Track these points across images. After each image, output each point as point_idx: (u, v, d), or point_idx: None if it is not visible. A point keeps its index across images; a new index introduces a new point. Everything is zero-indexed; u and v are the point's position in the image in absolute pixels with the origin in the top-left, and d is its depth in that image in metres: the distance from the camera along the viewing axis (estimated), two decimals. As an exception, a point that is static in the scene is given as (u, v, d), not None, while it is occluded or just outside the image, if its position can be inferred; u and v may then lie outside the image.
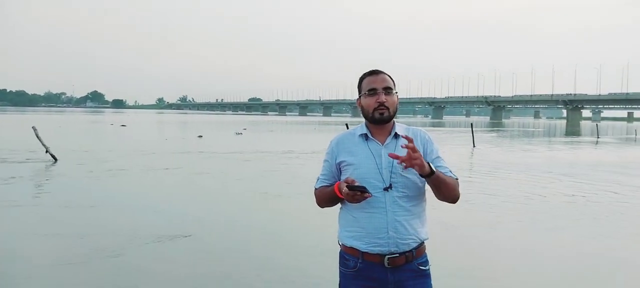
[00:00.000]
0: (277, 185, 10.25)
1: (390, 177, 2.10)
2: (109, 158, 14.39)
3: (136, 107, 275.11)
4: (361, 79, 2.22)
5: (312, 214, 5.57)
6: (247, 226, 6.58)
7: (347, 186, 1.99)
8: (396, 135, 2.16)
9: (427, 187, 2.14)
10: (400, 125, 2.23)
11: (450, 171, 2.16)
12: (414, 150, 1.94)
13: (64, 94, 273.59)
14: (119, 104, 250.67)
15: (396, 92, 2.21)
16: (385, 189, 2.08)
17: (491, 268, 5.02)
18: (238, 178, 11.03)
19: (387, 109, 2.14)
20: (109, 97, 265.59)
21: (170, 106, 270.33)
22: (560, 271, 4.94)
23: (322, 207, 2.28)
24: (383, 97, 2.13)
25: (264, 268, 4.84)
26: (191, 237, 5.86)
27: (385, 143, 2.16)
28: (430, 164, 2.02)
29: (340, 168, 2.19)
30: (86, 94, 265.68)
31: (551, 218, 7.35)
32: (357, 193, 1.97)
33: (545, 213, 7.72)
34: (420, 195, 2.16)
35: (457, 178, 2.16)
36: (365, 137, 2.18)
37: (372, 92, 2.15)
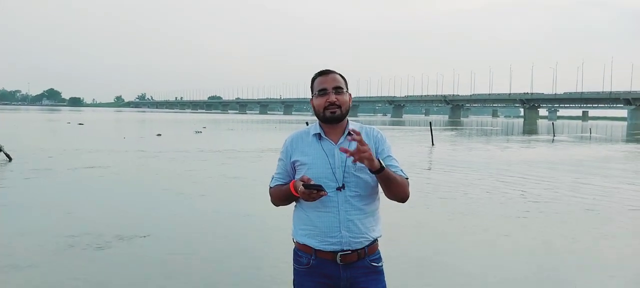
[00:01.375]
0: (233, 183, 9.97)
1: (343, 176, 2.11)
2: (65, 158, 13.89)
3: (94, 105, 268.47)
4: (313, 79, 2.23)
5: (268, 212, 5.51)
6: (203, 225, 6.39)
7: (303, 185, 2.00)
8: (350, 134, 2.12)
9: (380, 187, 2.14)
10: (354, 124, 2.21)
11: (402, 170, 2.19)
12: (361, 143, 1.95)
13: (18, 91, 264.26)
14: (76, 102, 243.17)
15: (348, 92, 2.21)
16: (338, 189, 2.10)
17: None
18: (196, 177, 10.68)
19: (339, 107, 2.14)
20: (66, 95, 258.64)
21: (129, 104, 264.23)
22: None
23: (277, 205, 2.28)
24: (333, 97, 2.14)
25: (219, 267, 4.80)
26: (149, 237, 5.73)
27: (339, 142, 2.16)
28: (380, 160, 2.03)
29: (294, 168, 2.20)
30: (42, 91, 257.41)
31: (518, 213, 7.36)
32: (312, 192, 1.98)
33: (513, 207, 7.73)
34: (373, 194, 2.17)
35: (407, 178, 2.18)
36: (318, 136, 2.18)
37: (323, 92, 2.16)
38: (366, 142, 2.11)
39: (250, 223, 6.58)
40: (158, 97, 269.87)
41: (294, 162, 2.19)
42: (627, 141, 32.52)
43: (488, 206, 8.09)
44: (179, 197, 8.46)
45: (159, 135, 25.95)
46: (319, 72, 2.22)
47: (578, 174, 12.60)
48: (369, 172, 2.06)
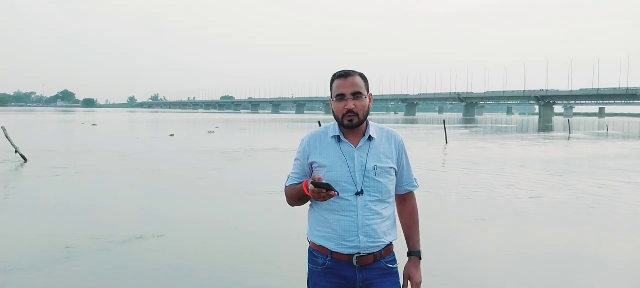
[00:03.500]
0: (248, 182, 9.90)
1: (363, 181, 2.07)
2: (79, 159, 13.99)
3: (107, 106, 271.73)
4: (332, 80, 2.14)
5: (284, 212, 5.48)
6: (220, 225, 6.35)
7: (312, 183, 1.95)
8: (370, 138, 2.12)
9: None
10: (374, 125, 2.17)
11: (415, 180, 2.27)
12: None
13: (34, 93, 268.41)
14: (90, 103, 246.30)
15: (368, 94, 2.14)
16: (357, 194, 2.05)
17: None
18: (211, 177, 10.64)
19: (357, 115, 2.08)
20: (80, 97, 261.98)
21: (142, 105, 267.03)
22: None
23: (292, 205, 2.23)
24: (351, 104, 2.07)
25: (236, 265, 4.76)
26: (163, 237, 5.72)
27: (359, 145, 2.11)
28: (420, 255, 2.23)
29: (312, 169, 2.14)
30: (57, 93, 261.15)
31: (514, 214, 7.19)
32: (322, 191, 1.93)
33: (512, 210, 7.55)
34: (390, 198, 2.16)
35: (417, 187, 2.28)
36: (337, 139, 2.12)
37: (341, 97, 2.09)
38: (386, 145, 2.17)
39: (262, 222, 6.51)
40: (171, 98, 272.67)
41: (312, 163, 2.14)
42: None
43: (499, 205, 7.92)
44: (190, 197, 8.43)
45: (172, 135, 26.08)
46: (338, 74, 2.13)
47: (598, 174, 12.33)
48: (388, 177, 2.12)
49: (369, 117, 2.15)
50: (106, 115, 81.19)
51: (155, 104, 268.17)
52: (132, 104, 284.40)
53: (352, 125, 2.09)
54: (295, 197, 2.14)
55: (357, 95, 2.07)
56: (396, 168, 2.17)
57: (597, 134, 35.10)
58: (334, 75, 2.14)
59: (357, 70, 2.14)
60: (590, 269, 4.89)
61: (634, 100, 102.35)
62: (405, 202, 2.28)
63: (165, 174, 11.30)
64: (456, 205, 8.02)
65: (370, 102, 2.14)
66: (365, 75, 2.16)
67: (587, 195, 8.99)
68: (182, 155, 15.45)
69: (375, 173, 2.08)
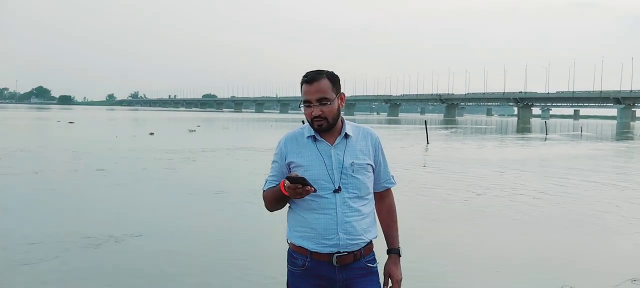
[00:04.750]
0: (228, 183, 9.87)
1: (341, 178, 2.07)
2: (55, 158, 13.64)
3: (85, 103, 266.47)
4: (300, 84, 2.11)
5: (263, 213, 5.35)
6: (198, 226, 6.26)
7: (287, 179, 1.94)
8: (346, 135, 2.12)
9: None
10: (350, 123, 2.18)
11: (392, 177, 2.29)
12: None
13: (6, 89, 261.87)
14: (66, 100, 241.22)
15: (338, 94, 2.10)
16: (335, 191, 2.06)
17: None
18: (191, 176, 10.58)
19: (325, 119, 2.07)
20: (56, 93, 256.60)
21: (121, 102, 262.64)
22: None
23: (270, 209, 2.18)
24: (317, 111, 2.05)
25: (214, 268, 4.69)
26: (141, 237, 5.64)
27: (335, 143, 2.12)
28: (399, 252, 2.26)
29: (289, 169, 2.13)
30: (30, 89, 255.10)
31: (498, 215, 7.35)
32: (298, 187, 1.92)
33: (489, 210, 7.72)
34: (369, 195, 2.17)
35: (395, 184, 2.30)
36: (313, 138, 2.12)
37: (307, 104, 2.07)
38: (363, 142, 2.18)
39: (243, 222, 6.52)
40: (151, 95, 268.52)
41: (289, 164, 2.13)
42: (618, 140, 32.71)
43: (478, 205, 8.08)
44: (171, 196, 8.38)
45: (152, 134, 25.76)
46: (304, 77, 2.09)
47: (574, 173, 12.62)
48: (365, 173, 2.13)
49: (351, 117, 2.18)
50: (84, 112, 79.58)
51: (135, 101, 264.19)
52: (111, 101, 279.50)
53: (321, 129, 2.09)
54: (274, 199, 2.12)
55: (323, 101, 2.05)
56: (373, 165, 2.18)
57: (572, 135, 35.79)
58: (302, 78, 2.10)
59: (325, 70, 2.11)
60: (572, 271, 5.02)
61: (606, 103, 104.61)
62: (383, 200, 2.29)
63: (142, 173, 11.22)
64: (436, 205, 8.13)
65: (341, 101, 2.12)
66: (335, 75, 2.12)
67: (564, 195, 9.21)
68: (160, 154, 15.32)
69: (353, 170, 2.08)
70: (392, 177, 2.29)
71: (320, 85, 2.05)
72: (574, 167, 14.03)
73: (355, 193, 2.09)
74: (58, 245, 5.24)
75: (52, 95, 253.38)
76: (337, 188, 2.06)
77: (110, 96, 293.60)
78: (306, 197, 2.02)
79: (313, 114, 2.06)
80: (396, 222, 2.31)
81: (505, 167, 13.70)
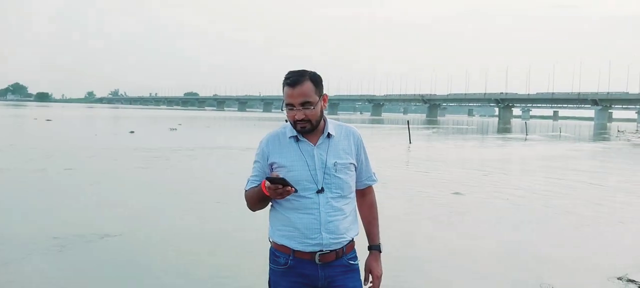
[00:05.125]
0: (208, 182, 9.79)
1: (324, 178, 2.07)
2: (31, 156, 13.35)
3: (63, 100, 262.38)
4: (283, 84, 2.07)
5: (243, 213, 5.30)
6: (178, 225, 6.17)
7: (267, 179, 1.94)
8: (329, 135, 2.12)
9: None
10: (332, 122, 2.17)
11: (374, 174, 2.29)
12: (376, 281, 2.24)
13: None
14: (43, 97, 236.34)
15: (321, 96, 2.08)
16: (318, 192, 2.06)
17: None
18: (169, 176, 10.47)
19: (309, 121, 2.06)
20: (33, 90, 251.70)
21: (101, 100, 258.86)
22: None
23: (253, 209, 2.16)
24: (300, 115, 2.04)
25: (193, 267, 4.61)
26: (121, 236, 5.55)
27: (318, 143, 2.11)
28: (380, 248, 2.28)
29: (272, 170, 2.13)
30: (6, 86, 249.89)
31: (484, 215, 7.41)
32: (279, 187, 1.91)
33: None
34: (351, 193, 2.18)
35: (376, 181, 2.31)
36: (296, 138, 2.11)
37: (290, 107, 2.06)
38: (345, 141, 2.18)
39: (224, 222, 6.47)
40: (132, 93, 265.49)
41: (271, 164, 2.12)
42: (595, 140, 33.33)
43: (460, 203, 8.15)
44: (150, 196, 8.28)
45: (132, 132, 25.47)
46: (287, 80, 2.05)
47: (552, 172, 12.81)
48: (348, 173, 2.14)
49: (334, 116, 2.17)
50: (62, 110, 78.30)
51: (115, 99, 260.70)
52: (90, 99, 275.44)
53: (304, 131, 2.08)
54: (255, 199, 2.10)
55: (306, 104, 2.03)
56: (355, 163, 2.19)
57: (551, 136, 36.37)
58: (284, 80, 2.06)
59: (308, 71, 2.08)
60: (551, 269, 5.08)
61: (584, 104, 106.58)
62: (365, 197, 2.31)
63: (122, 172, 11.07)
64: (417, 203, 8.18)
65: (324, 102, 2.11)
66: (317, 76, 2.09)
67: (543, 194, 9.34)
68: (140, 153, 15.15)
69: (336, 170, 2.09)
70: (374, 174, 2.30)
71: (303, 89, 2.03)
72: (554, 167, 14.26)
73: (338, 193, 2.10)
74: (23, 247, 5.12)
75: (29, 92, 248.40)
76: (320, 188, 2.06)
77: (90, 93, 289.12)
78: (289, 197, 2.01)
79: (296, 117, 2.05)
80: (377, 218, 2.33)
81: (486, 166, 13.85)
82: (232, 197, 7.41)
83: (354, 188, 2.20)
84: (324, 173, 2.08)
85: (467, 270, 4.92)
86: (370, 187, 2.31)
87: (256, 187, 2.10)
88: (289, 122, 2.13)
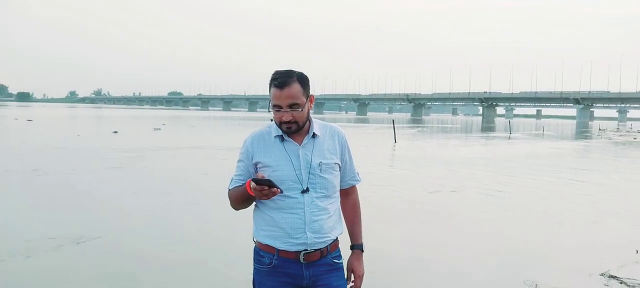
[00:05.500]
0: (194, 182, 9.72)
1: (309, 178, 2.08)
2: (10, 156, 13.16)
3: (45, 100, 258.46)
4: (269, 84, 2.05)
5: (228, 213, 5.27)
6: (162, 226, 6.12)
7: (253, 180, 1.94)
8: (314, 135, 2.12)
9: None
10: (317, 122, 2.17)
11: (357, 174, 2.31)
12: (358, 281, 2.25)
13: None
14: (24, 97, 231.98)
15: (308, 97, 2.07)
16: (303, 191, 2.06)
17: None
18: (154, 176, 10.37)
19: (295, 123, 2.05)
20: (13, 90, 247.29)
21: (84, 100, 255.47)
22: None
23: (236, 208, 2.17)
24: (288, 116, 2.03)
25: (178, 269, 4.56)
26: (102, 238, 5.47)
27: (303, 143, 2.11)
28: (362, 248, 2.29)
29: (257, 169, 2.12)
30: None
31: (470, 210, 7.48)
32: (265, 188, 1.91)
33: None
34: (336, 193, 2.19)
35: (360, 181, 2.33)
36: (281, 138, 2.11)
37: (277, 108, 2.04)
38: (330, 141, 2.18)
39: (208, 222, 6.43)
40: (115, 93, 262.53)
41: (256, 164, 2.12)
42: (577, 138, 33.81)
43: (445, 201, 8.21)
44: (133, 197, 8.19)
45: (116, 132, 25.20)
46: (274, 80, 2.03)
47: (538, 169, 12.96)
48: (333, 172, 2.14)
49: (319, 116, 2.17)
50: (43, 110, 77.19)
51: (98, 99, 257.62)
52: (72, 98, 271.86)
53: (290, 132, 2.08)
54: (239, 198, 2.10)
55: (294, 107, 2.02)
56: (340, 163, 2.20)
57: (535, 134, 36.81)
58: (271, 80, 2.04)
59: (295, 72, 2.06)
60: (535, 266, 5.13)
61: (566, 103, 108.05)
62: (348, 196, 2.32)
63: (106, 172, 10.94)
64: (402, 201, 8.20)
65: (311, 102, 2.11)
66: (305, 77, 2.08)
67: (527, 191, 9.44)
68: (123, 153, 14.99)
69: (321, 170, 2.09)
70: (358, 174, 2.32)
71: (292, 91, 2.01)
72: (537, 165, 14.43)
73: (323, 193, 2.10)
74: None
75: (9, 92, 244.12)
76: (305, 188, 2.06)
77: (72, 93, 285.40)
78: (274, 197, 2.01)
79: (283, 119, 2.04)
80: (360, 218, 2.35)
81: (470, 164, 13.95)
82: (208, 197, 7.37)
83: (338, 188, 2.21)
84: (309, 173, 2.08)
85: (449, 267, 4.95)
86: (353, 187, 2.33)
87: (240, 186, 2.09)
88: (272, 124, 2.14)
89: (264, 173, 2.05)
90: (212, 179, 9.97)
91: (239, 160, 2.18)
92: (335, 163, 2.16)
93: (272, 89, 2.04)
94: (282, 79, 2.02)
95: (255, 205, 2.17)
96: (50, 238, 5.38)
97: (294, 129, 2.07)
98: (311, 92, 2.13)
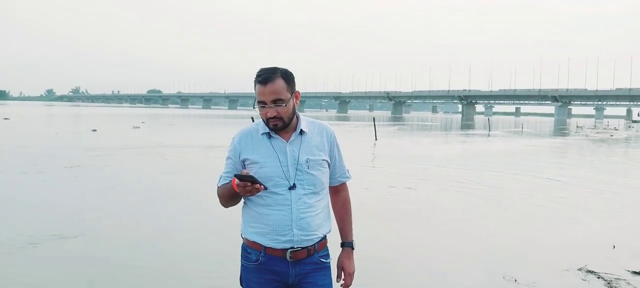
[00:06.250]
0: (176, 180, 9.62)
1: (296, 174, 2.07)
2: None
3: (21, 98, 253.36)
4: (254, 81, 2.07)
5: (214, 211, 5.24)
6: (143, 225, 6.04)
7: (235, 176, 1.94)
8: (301, 132, 2.12)
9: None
10: (306, 119, 2.17)
11: (347, 171, 2.31)
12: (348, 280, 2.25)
13: None
14: (0, 95, 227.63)
15: (293, 94, 2.09)
16: (290, 188, 2.06)
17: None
18: (135, 174, 10.23)
19: (281, 119, 2.06)
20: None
21: (62, 98, 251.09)
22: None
23: (225, 205, 2.18)
24: (272, 112, 2.05)
25: (159, 267, 4.53)
26: (83, 237, 5.42)
27: (290, 140, 2.11)
28: (352, 245, 2.28)
29: (245, 166, 2.13)
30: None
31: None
32: (247, 184, 1.92)
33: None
34: (324, 190, 2.18)
35: (350, 178, 2.31)
36: (268, 135, 2.11)
37: (261, 104, 2.06)
38: (318, 138, 2.18)
39: (192, 220, 6.37)
40: (93, 91, 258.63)
41: (244, 161, 2.12)
42: (555, 136, 34.39)
43: (427, 198, 8.26)
44: (114, 195, 8.08)
45: (95, 130, 24.83)
46: (258, 77, 2.05)
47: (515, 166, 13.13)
48: (321, 169, 2.14)
49: (303, 114, 2.16)
50: (20, 108, 75.72)
51: (76, 97, 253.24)
52: (50, 96, 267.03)
53: (277, 129, 2.08)
54: (227, 195, 2.11)
55: (278, 102, 2.03)
56: (328, 160, 2.20)
57: (514, 132, 37.33)
58: (256, 77, 2.06)
59: (279, 68, 2.08)
60: (514, 262, 5.18)
61: (545, 100, 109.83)
62: (338, 194, 2.32)
63: (85, 170, 10.76)
64: (382, 199, 8.23)
65: (296, 99, 2.12)
66: (289, 73, 2.09)
67: (506, 189, 9.56)
68: (99, 151, 14.76)
69: (308, 166, 2.09)
70: (348, 171, 2.32)
71: (275, 86, 2.03)
72: (515, 162, 14.63)
73: (311, 190, 2.10)
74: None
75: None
76: (292, 185, 2.07)
77: (49, 91, 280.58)
78: (261, 194, 2.03)
79: (268, 115, 2.05)
80: (350, 215, 2.35)
81: (450, 162, 14.08)
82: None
83: (326, 185, 2.20)
84: (296, 169, 2.08)
85: (428, 265, 4.99)
86: (344, 184, 2.32)
87: (228, 183, 2.10)
88: (260, 122, 2.15)
89: (251, 170, 2.06)
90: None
91: (227, 158, 2.18)
92: (324, 160, 2.16)
93: (257, 86, 2.06)
94: (265, 75, 2.04)
95: (244, 202, 2.17)
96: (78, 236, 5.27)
97: (279, 125, 2.07)
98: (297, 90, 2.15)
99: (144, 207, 7.25)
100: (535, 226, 6.66)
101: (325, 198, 2.20)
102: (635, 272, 4.70)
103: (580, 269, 4.77)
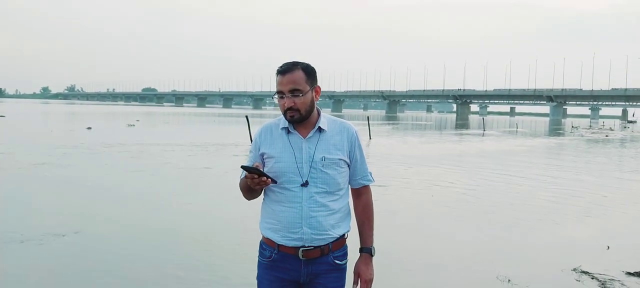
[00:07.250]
0: (173, 178, 9.58)
1: (310, 172, 2.05)
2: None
3: (17, 96, 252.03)
4: (276, 74, 2.09)
5: (216, 209, 5.18)
6: (144, 223, 6.00)
7: (242, 167, 1.95)
8: (320, 129, 2.10)
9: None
10: (327, 116, 2.15)
11: (370, 174, 2.23)
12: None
13: None
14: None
15: (313, 87, 2.08)
16: (303, 185, 2.04)
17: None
18: (131, 172, 10.18)
19: (297, 111, 2.04)
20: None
21: (57, 96, 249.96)
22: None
23: (246, 198, 2.16)
24: (289, 102, 2.03)
25: (159, 264, 4.51)
26: (80, 234, 5.42)
27: (308, 136, 2.09)
28: (372, 251, 2.22)
29: (263, 160, 2.13)
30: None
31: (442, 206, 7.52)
32: (254, 177, 1.91)
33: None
34: (340, 191, 2.12)
35: (372, 181, 2.24)
36: (287, 130, 2.11)
37: (280, 95, 2.06)
38: (338, 137, 2.14)
39: (200, 220, 6.35)
40: (88, 89, 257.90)
41: (262, 154, 2.13)
42: (550, 135, 34.51)
43: (416, 198, 8.26)
44: (112, 193, 8.04)
45: (90, 128, 24.73)
46: (279, 68, 2.08)
47: (509, 167, 13.16)
48: (337, 169, 2.09)
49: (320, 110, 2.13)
50: (16, 106, 75.36)
51: (72, 94, 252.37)
52: (45, 94, 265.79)
53: (293, 121, 2.07)
54: (245, 188, 2.09)
55: (295, 92, 2.03)
56: (347, 160, 2.15)
57: (508, 132, 37.42)
58: (278, 69, 2.08)
59: (301, 62, 2.10)
60: (508, 262, 5.17)
61: (540, 100, 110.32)
62: (360, 197, 2.26)
63: (81, 168, 10.71)
64: (375, 199, 8.22)
65: (317, 94, 2.11)
66: (311, 67, 2.11)
67: (500, 188, 9.57)
68: (97, 148, 14.69)
69: (323, 165, 2.06)
70: (370, 174, 2.25)
71: (294, 77, 2.04)
72: (510, 162, 14.65)
73: (324, 189, 2.06)
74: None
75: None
76: (304, 182, 2.04)
77: (45, 89, 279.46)
78: (275, 189, 2.06)
79: (285, 105, 2.05)
80: (371, 221, 2.27)
81: (443, 161, 14.10)
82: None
83: (344, 186, 2.15)
84: (311, 167, 2.06)
85: (423, 264, 4.98)
86: (366, 187, 2.26)
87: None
88: (282, 116, 2.14)
89: (268, 164, 2.08)
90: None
91: (250, 151, 2.21)
92: (341, 160, 2.12)
93: (276, 77, 2.08)
94: (286, 66, 2.07)
95: (263, 197, 2.17)
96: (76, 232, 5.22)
97: (296, 117, 2.05)
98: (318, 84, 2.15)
99: (145, 208, 7.20)
100: (528, 226, 6.66)
101: (343, 199, 2.15)
102: (629, 273, 4.71)
103: (574, 270, 4.77)
